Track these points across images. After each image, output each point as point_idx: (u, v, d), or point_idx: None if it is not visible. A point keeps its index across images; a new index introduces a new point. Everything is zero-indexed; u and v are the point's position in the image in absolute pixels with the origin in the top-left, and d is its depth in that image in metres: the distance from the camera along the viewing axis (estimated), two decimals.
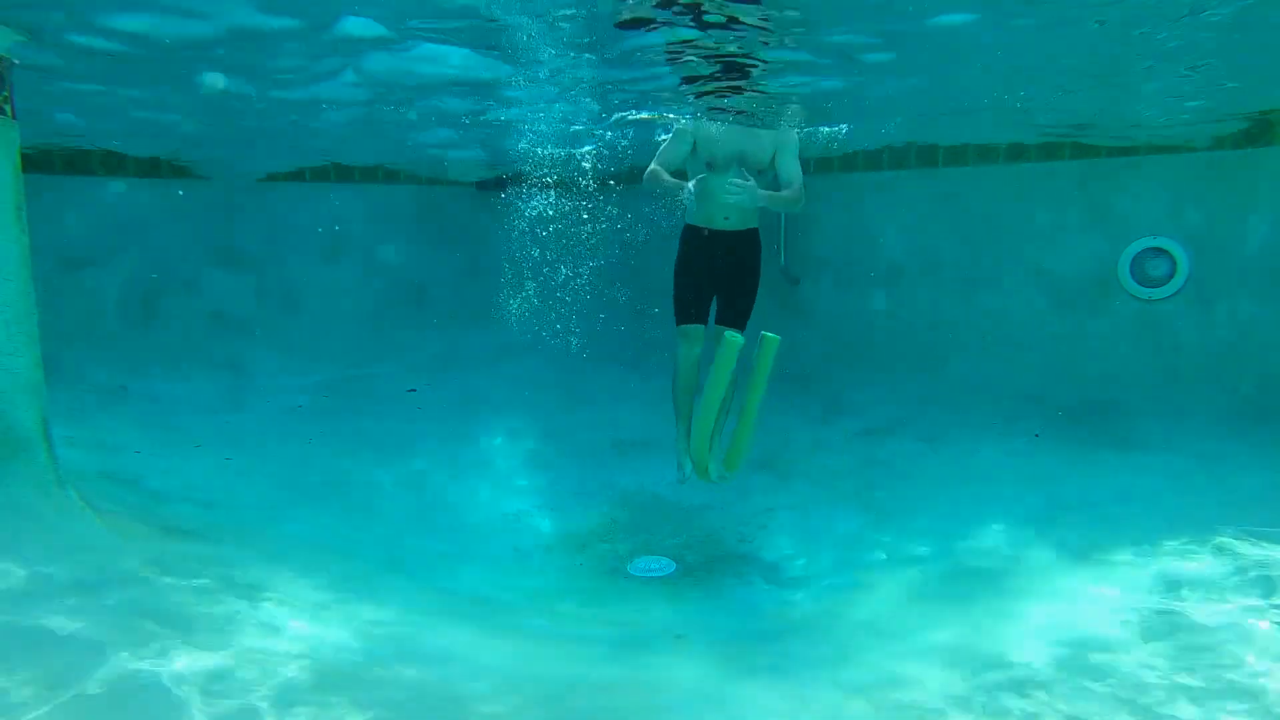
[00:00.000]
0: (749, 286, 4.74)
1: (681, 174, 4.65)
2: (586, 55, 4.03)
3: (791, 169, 4.48)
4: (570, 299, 8.23)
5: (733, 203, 4.33)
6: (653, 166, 4.52)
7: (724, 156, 4.49)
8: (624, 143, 6.22)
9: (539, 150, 6.71)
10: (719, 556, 4.92)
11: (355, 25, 3.66)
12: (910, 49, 3.92)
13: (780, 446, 5.71)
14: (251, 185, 7.46)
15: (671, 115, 5.16)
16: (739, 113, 4.88)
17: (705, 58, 3.99)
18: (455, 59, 4.11)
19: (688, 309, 4.67)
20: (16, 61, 3.34)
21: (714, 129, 4.60)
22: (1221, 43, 3.80)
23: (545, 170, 7.51)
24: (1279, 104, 5.10)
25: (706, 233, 4.67)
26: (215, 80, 4.16)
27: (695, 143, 4.58)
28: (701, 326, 4.67)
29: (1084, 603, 3.26)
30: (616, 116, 5.42)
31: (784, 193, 4.42)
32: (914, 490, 4.99)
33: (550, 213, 8.57)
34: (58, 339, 4.07)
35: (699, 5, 3.34)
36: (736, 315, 4.71)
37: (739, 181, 4.15)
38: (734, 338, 4.19)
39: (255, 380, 6.81)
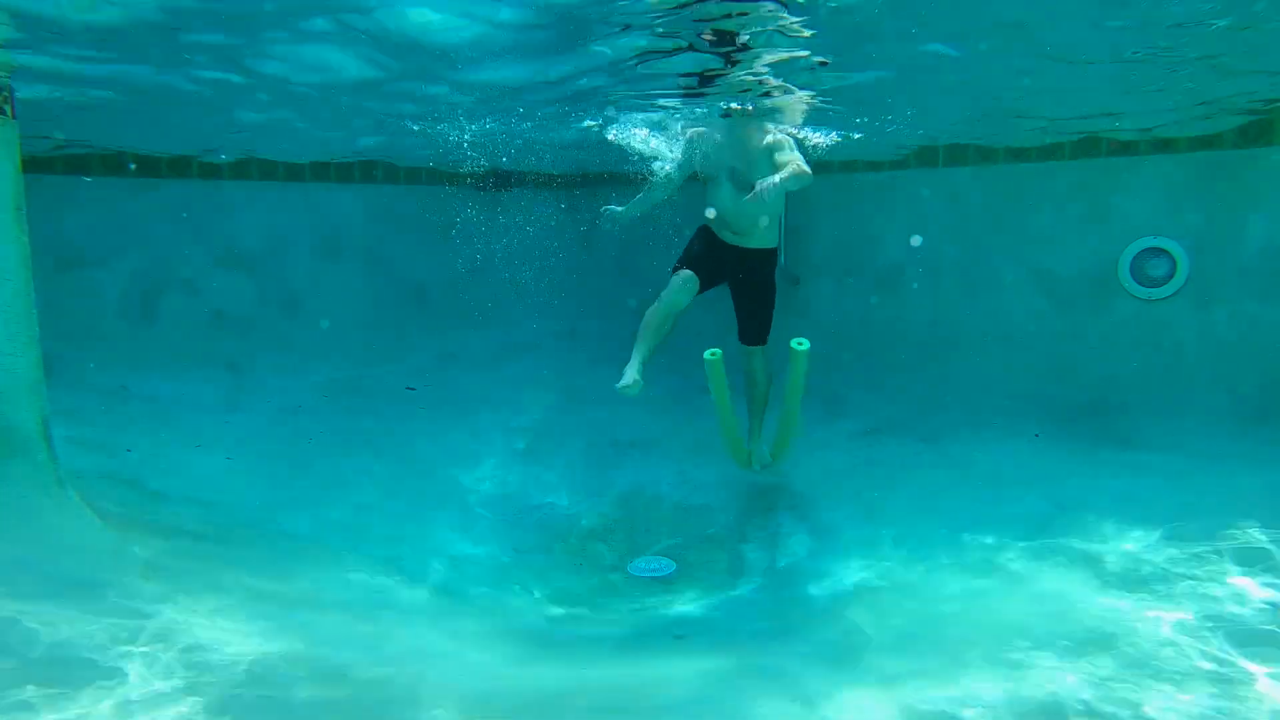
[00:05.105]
0: (764, 301, 4.70)
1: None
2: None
3: (786, 157, 4.10)
4: (571, 298, 8.23)
5: (749, 211, 4.30)
6: (657, 179, 4.49)
7: (712, 170, 4.43)
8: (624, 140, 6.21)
9: (540, 149, 6.70)
10: (719, 556, 4.92)
11: None
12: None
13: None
14: (252, 185, 7.45)
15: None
16: (738, 109, 4.83)
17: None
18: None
19: (686, 261, 4.47)
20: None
21: (710, 141, 4.51)
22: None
23: (545, 169, 7.51)
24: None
25: (719, 238, 4.62)
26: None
27: (698, 152, 4.52)
28: (696, 280, 4.43)
29: (1085, 603, 3.26)
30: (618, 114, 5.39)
31: (780, 174, 3.91)
32: (914, 490, 4.98)
33: (550, 211, 8.58)
34: (58, 339, 4.07)
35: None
36: (758, 329, 4.68)
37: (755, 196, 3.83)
38: (800, 343, 4.54)
39: (255, 380, 6.80)
